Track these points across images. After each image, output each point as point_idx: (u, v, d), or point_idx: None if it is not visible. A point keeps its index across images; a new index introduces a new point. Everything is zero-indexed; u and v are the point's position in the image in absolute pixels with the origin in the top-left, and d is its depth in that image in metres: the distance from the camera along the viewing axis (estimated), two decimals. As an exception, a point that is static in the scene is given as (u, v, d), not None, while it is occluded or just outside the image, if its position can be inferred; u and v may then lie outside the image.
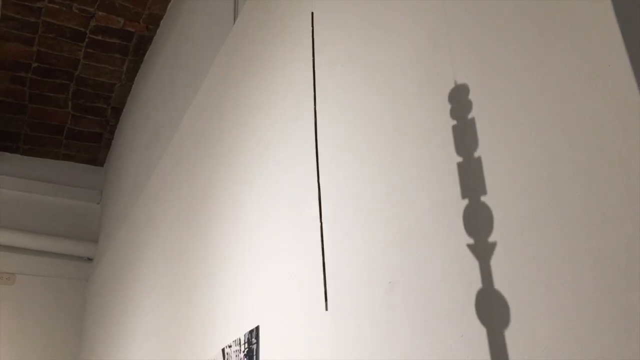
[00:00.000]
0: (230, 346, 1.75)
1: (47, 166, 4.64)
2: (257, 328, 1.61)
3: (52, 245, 4.39)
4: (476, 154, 0.98)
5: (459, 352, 0.93)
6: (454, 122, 1.04)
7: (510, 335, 0.85)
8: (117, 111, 4.40)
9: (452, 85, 1.06)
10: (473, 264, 0.94)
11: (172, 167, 2.86)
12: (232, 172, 2.06)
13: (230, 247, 1.95)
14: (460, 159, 1.01)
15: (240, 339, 1.69)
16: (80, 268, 4.52)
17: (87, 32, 3.77)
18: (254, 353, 1.59)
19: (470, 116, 1.01)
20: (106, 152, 4.73)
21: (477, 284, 0.92)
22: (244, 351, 1.65)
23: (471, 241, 0.95)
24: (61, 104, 4.26)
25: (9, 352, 4.09)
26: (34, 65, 3.96)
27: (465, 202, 0.98)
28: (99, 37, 3.81)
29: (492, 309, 0.89)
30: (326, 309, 1.03)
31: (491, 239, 0.92)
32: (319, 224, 0.94)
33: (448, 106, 1.06)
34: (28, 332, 4.18)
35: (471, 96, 1.02)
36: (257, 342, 1.59)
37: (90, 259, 4.54)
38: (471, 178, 0.98)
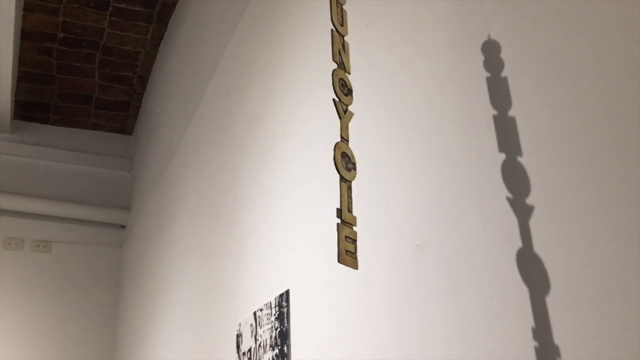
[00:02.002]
0: (261, 309, 1.78)
1: (77, 136, 4.71)
2: (287, 292, 1.63)
3: (85, 214, 4.48)
4: (511, 110, 0.96)
5: (488, 313, 0.93)
6: (488, 75, 1.01)
7: (539, 296, 0.84)
8: (144, 79, 4.42)
9: (485, 39, 1.03)
10: (503, 224, 0.93)
11: (200, 133, 2.88)
12: (261, 137, 2.06)
13: (260, 213, 1.97)
14: (495, 113, 0.98)
15: (271, 303, 1.72)
16: (114, 235, 4.61)
17: (111, 0, 3.77)
18: (285, 316, 1.61)
19: (504, 71, 0.99)
20: (134, 121, 4.77)
21: (507, 245, 0.91)
22: (275, 314, 1.68)
23: (503, 202, 0.94)
24: (88, 73, 4.29)
25: (48, 317, 4.22)
26: (60, 35, 3.98)
27: (499, 161, 0.96)
28: (123, 5, 3.81)
29: (522, 270, 0.88)
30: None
31: (526, 199, 0.91)
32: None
33: (482, 60, 1.03)
34: (66, 297, 4.30)
35: (505, 50, 1.00)
36: (288, 305, 1.61)
37: (123, 226, 4.62)
38: (506, 135, 0.96)
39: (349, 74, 0.99)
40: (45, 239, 4.39)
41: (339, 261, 0.86)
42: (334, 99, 0.95)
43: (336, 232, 0.87)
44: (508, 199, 0.93)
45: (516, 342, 0.86)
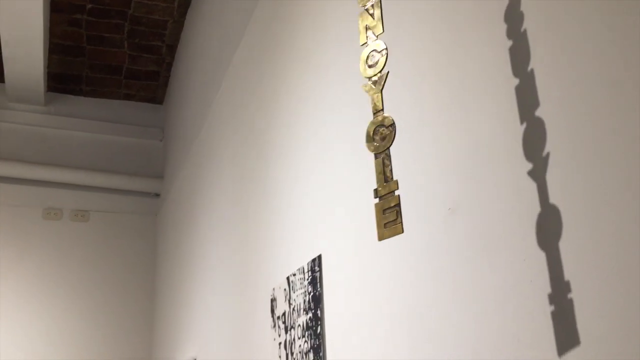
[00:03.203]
0: (294, 274, 1.80)
1: (110, 106, 4.77)
2: (320, 257, 1.64)
3: (120, 183, 4.56)
4: (544, 71, 0.94)
5: (522, 276, 0.92)
6: (512, 42, 0.99)
7: (573, 258, 0.83)
8: (172, 48, 4.42)
9: (508, 2, 1.01)
10: (536, 187, 0.91)
11: (230, 100, 2.88)
12: (290, 103, 2.06)
13: (291, 179, 1.97)
14: (518, 81, 0.97)
15: (303, 268, 1.73)
16: (149, 203, 4.69)
17: (137, -31, 3.76)
18: (317, 280, 1.63)
19: (535, 31, 0.96)
20: (164, 90, 4.80)
21: (539, 208, 0.90)
22: (307, 279, 1.70)
23: (530, 165, 0.92)
24: (118, 44, 4.32)
25: (88, 284, 4.34)
26: (89, 6, 4.00)
27: (532, 123, 0.94)
28: (149, -26, 3.80)
29: (554, 232, 0.87)
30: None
31: (558, 161, 0.89)
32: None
33: (513, 20, 1.01)
34: (104, 265, 4.42)
35: (528, 12, 0.97)
36: (320, 270, 1.63)
37: (157, 195, 4.70)
38: (530, 99, 0.94)
39: (383, 32, 0.98)
40: (83, 209, 4.50)
41: (379, 240, 0.87)
42: (361, 87, 0.94)
43: (375, 213, 0.87)
44: (540, 161, 0.91)
45: (550, 305, 0.86)
